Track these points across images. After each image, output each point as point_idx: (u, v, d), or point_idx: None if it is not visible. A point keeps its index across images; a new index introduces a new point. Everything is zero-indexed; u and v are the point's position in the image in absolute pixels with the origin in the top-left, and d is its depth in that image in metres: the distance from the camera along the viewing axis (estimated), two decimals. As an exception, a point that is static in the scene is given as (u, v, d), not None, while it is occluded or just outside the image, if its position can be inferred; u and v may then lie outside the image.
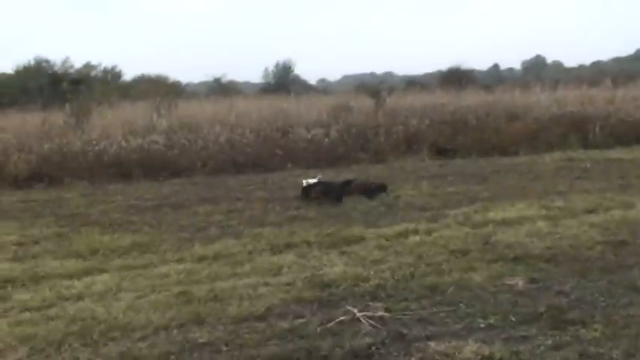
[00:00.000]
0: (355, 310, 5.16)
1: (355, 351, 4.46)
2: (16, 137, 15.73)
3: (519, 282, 5.81)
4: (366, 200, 10.16)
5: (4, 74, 38.48)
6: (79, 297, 5.90)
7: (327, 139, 16.52)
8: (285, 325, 4.98)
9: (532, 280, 5.85)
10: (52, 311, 5.52)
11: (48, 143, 15.43)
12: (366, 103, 20.43)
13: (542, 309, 5.08)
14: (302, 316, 5.17)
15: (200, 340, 4.75)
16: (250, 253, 7.20)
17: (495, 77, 44.93)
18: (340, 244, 7.43)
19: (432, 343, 4.51)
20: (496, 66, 64.25)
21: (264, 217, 9.20)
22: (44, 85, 33.44)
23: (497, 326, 4.83)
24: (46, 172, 14.20)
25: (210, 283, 6.15)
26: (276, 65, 49.98)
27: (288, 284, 5.97)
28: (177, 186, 13.02)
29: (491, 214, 8.59)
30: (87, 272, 6.71)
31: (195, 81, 49.39)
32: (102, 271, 6.75)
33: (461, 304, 5.30)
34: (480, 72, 48.20)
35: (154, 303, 5.58)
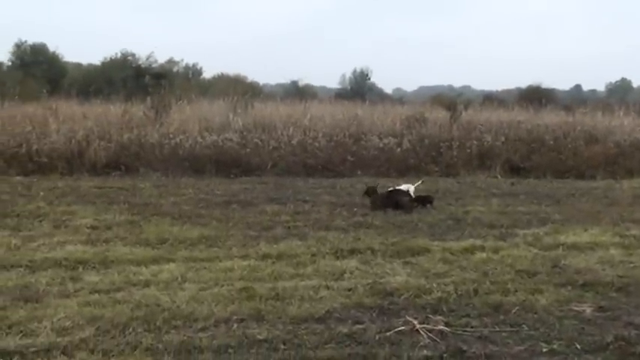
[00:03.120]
0: (415, 322, 5.12)
1: (412, 362, 4.42)
2: (97, 126, 16.29)
3: (587, 309, 5.63)
4: (434, 212, 10.08)
5: (91, 65, 40.05)
6: (146, 284, 6.07)
7: (399, 149, 16.43)
8: (344, 329, 4.98)
9: (601, 309, 5.66)
10: (119, 295, 5.71)
11: (127, 133, 15.93)
12: (441, 115, 20.20)
13: (609, 339, 4.90)
14: (361, 322, 5.16)
15: (259, 337, 4.81)
16: (314, 255, 7.23)
17: (577, 98, 43.65)
18: (404, 253, 7.38)
19: (492, 363, 4.43)
20: (578, 87, 62.71)
21: (330, 221, 9.23)
22: (128, 78, 34.61)
23: (561, 352, 4.70)
24: (123, 161, 14.69)
25: (272, 281, 6.22)
26: (354, 72, 50.20)
27: (349, 289, 5.97)
28: (247, 184, 13.21)
29: (562, 237, 8.36)
30: (155, 260, 6.90)
31: (273, 82, 50.12)
32: (169, 260, 6.92)
33: (524, 326, 5.18)
34: (560, 92, 47.00)
35: (216, 296, 5.68)
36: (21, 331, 4.83)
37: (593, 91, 61.04)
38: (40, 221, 8.91)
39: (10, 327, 4.92)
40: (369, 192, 10.78)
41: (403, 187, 10.94)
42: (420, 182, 11.27)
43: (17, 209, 9.67)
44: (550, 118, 21.24)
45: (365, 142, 16.81)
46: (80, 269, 6.57)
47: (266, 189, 12.54)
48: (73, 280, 6.19)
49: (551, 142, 17.62)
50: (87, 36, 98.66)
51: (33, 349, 4.48)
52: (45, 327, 4.89)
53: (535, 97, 27.08)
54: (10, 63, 38.78)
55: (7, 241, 7.63)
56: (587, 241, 8.21)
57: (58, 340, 4.66)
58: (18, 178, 13.32)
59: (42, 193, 11.22)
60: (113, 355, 4.43)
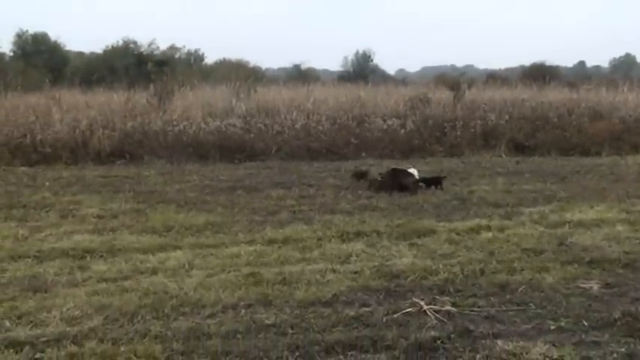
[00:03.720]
0: (422, 303, 5.13)
1: (420, 343, 4.43)
2: (101, 114, 16.27)
3: (594, 286, 5.64)
4: (439, 193, 10.08)
5: (93, 54, 39.91)
6: (153, 271, 6.10)
7: (402, 130, 16.39)
8: (351, 312, 5.00)
9: (607, 285, 5.67)
10: (127, 283, 5.73)
11: (131, 121, 15.93)
12: (445, 95, 20.14)
13: (616, 315, 4.91)
14: (368, 305, 5.18)
15: (267, 322, 4.83)
16: (320, 239, 7.25)
17: (581, 74, 43.30)
18: (410, 235, 7.38)
19: (499, 342, 4.44)
20: (582, 63, 62.32)
21: (335, 205, 9.23)
22: (130, 65, 34.48)
23: (568, 329, 4.71)
24: (127, 150, 14.70)
25: (279, 266, 6.24)
26: (356, 54, 49.94)
27: (356, 272, 5.99)
28: (251, 169, 13.22)
29: (567, 215, 8.36)
30: (161, 248, 6.93)
31: (275, 67, 49.99)
32: (176, 247, 6.95)
33: (531, 304, 5.19)
34: (564, 68, 46.70)
35: (223, 282, 5.70)
36: (31, 321, 4.86)
37: (597, 67, 60.72)
38: (47, 211, 8.94)
39: (19, 317, 4.95)
40: (358, 175, 10.85)
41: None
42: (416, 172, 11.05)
43: (23, 200, 9.70)
44: (554, 95, 21.15)
45: (368, 124, 16.78)
46: (88, 258, 6.60)
47: (271, 174, 12.54)
48: (80, 269, 6.23)
49: (556, 120, 17.56)
50: (88, 24, 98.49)
51: (43, 339, 4.51)
52: (54, 317, 4.92)
53: (539, 74, 26.89)
54: (11, 53, 38.68)
55: (14, 232, 7.67)
56: (593, 218, 8.20)
57: (68, 329, 4.69)
58: (23, 168, 13.35)
59: (47, 184, 11.26)
60: (122, 344, 4.44)
